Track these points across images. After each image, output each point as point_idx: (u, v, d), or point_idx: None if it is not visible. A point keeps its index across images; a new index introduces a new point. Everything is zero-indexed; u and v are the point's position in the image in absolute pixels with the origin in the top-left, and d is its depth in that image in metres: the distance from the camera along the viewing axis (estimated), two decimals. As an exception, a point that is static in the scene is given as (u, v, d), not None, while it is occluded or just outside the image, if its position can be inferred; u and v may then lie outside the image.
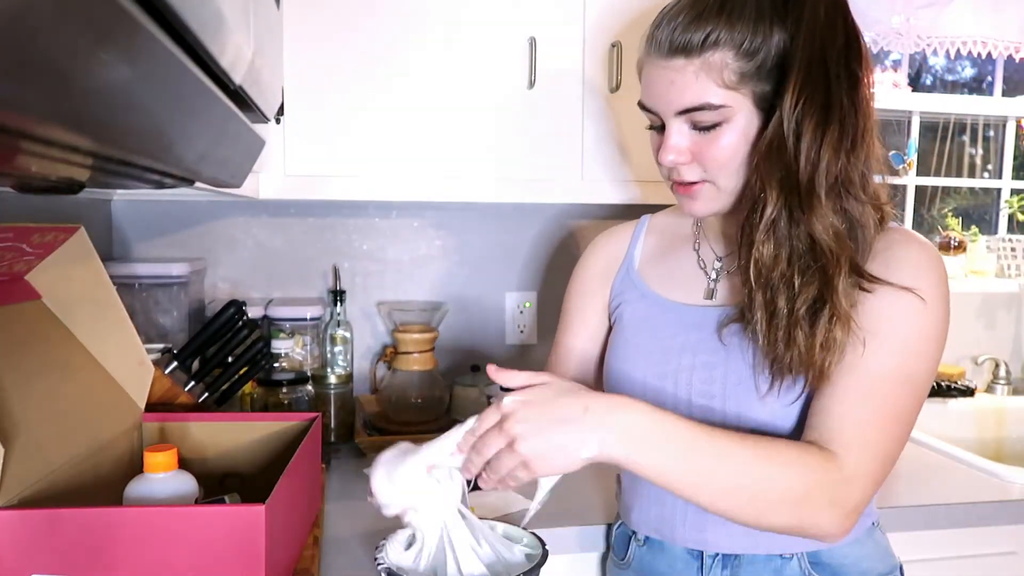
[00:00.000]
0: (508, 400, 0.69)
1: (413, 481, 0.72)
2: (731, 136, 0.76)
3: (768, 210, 0.74)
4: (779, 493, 0.70)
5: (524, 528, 0.78)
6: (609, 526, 1.07)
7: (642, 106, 0.82)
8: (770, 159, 0.74)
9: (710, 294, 0.88)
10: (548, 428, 0.67)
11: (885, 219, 0.80)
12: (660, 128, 0.81)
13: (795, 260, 0.74)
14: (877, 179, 0.80)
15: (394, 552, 0.75)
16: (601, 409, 0.68)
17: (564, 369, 1.00)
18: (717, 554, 0.85)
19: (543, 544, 0.76)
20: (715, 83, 0.75)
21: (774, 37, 0.74)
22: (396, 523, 0.73)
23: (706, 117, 0.76)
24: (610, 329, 0.97)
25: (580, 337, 0.99)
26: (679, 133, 0.78)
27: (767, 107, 0.75)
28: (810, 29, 0.73)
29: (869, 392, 0.74)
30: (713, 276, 0.89)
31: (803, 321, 0.74)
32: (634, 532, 0.93)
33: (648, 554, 0.90)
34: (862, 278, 0.74)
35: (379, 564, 0.72)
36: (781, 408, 0.79)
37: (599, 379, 0.98)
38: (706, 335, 0.84)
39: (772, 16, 0.74)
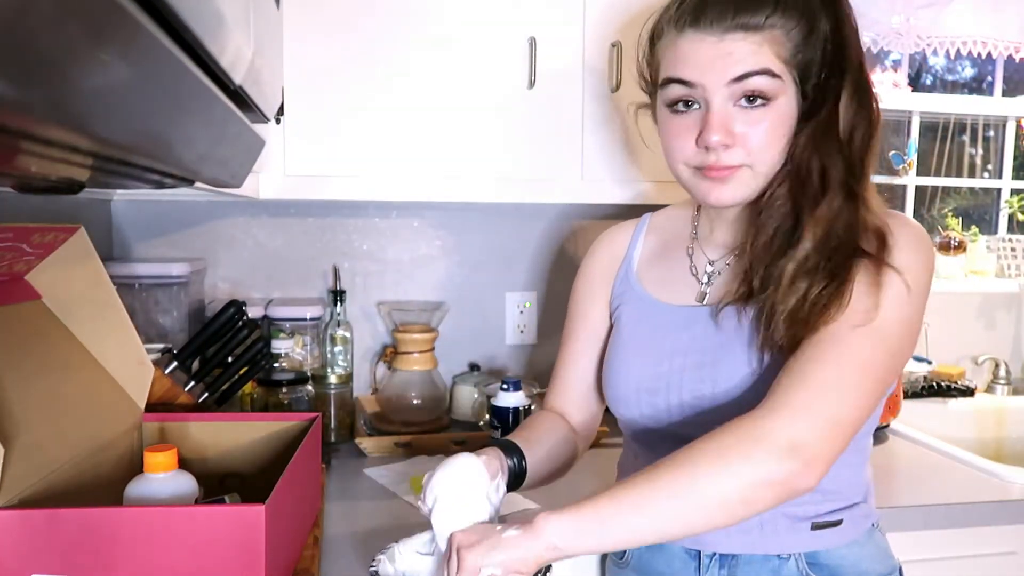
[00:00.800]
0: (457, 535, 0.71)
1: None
2: (776, 116, 0.77)
3: (829, 193, 0.75)
4: (710, 472, 0.68)
5: None
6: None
7: (676, 80, 0.79)
8: (827, 144, 0.76)
9: (701, 297, 0.88)
10: (488, 542, 0.68)
11: (882, 204, 0.82)
12: (685, 110, 0.80)
13: (825, 243, 0.75)
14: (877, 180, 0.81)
15: (401, 558, 0.74)
16: (532, 522, 0.69)
17: (572, 372, 1.00)
18: (714, 554, 0.85)
19: None
20: (776, 55, 0.75)
21: (822, 31, 0.76)
22: (397, 526, 0.72)
23: (761, 85, 0.76)
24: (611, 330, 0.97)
25: (585, 339, 0.99)
26: (723, 110, 0.77)
27: (803, 96, 0.78)
28: (852, 30, 0.77)
29: (825, 351, 0.72)
30: (705, 280, 0.89)
31: (801, 280, 0.74)
32: None
33: (647, 553, 0.91)
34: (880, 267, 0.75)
35: (371, 568, 0.72)
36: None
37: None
38: (697, 334, 0.85)
39: (819, 10, 0.76)
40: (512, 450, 0.86)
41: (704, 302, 0.88)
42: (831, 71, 0.76)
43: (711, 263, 0.89)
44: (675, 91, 0.79)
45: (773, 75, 0.75)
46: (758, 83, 0.75)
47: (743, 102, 0.77)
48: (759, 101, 0.76)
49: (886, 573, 0.87)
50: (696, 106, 0.79)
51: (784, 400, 0.70)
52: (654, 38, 0.83)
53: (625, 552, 0.94)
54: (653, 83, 0.85)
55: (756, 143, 0.77)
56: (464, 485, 0.75)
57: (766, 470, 0.68)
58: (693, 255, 0.92)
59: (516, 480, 0.85)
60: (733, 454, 0.69)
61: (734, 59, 0.75)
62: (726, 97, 0.77)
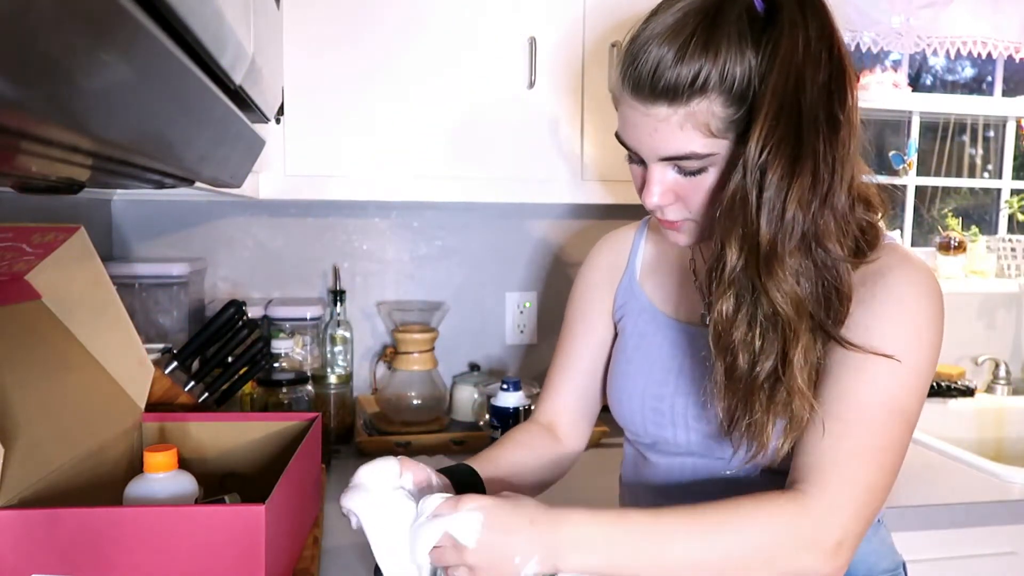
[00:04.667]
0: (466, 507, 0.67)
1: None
2: (714, 179, 0.72)
3: (727, 269, 0.69)
4: (744, 557, 0.67)
5: None
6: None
7: (620, 140, 0.76)
8: (731, 213, 0.68)
9: (703, 318, 0.85)
10: (494, 539, 0.65)
11: (879, 236, 0.75)
12: (641, 162, 0.76)
13: (756, 324, 0.69)
14: (866, 180, 0.75)
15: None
16: (544, 522, 0.66)
17: (571, 381, 0.98)
18: None
19: None
20: (701, 133, 0.69)
21: (752, 71, 0.67)
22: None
23: (691, 165, 0.71)
24: (615, 339, 0.96)
25: (586, 346, 0.97)
26: (662, 176, 0.73)
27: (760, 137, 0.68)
28: (784, 63, 0.65)
29: (849, 427, 0.70)
30: (708, 300, 0.85)
31: (762, 391, 0.70)
32: None
33: None
34: (836, 341, 0.70)
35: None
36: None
37: (604, 392, 0.98)
38: (702, 355, 0.82)
39: (751, 45, 0.67)
40: (461, 471, 0.82)
41: (707, 323, 0.84)
42: (755, 125, 0.66)
43: None
44: (624, 146, 0.77)
45: (700, 156, 0.70)
46: (685, 164, 0.71)
47: (677, 171, 0.73)
48: (692, 173, 0.72)
49: (892, 568, 0.87)
50: (643, 163, 0.76)
51: (838, 500, 0.68)
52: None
53: None
54: None
55: (693, 204, 0.74)
56: (377, 490, 0.72)
57: (800, 571, 0.68)
58: (697, 269, 0.89)
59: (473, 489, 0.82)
60: (781, 554, 0.67)
61: (660, 136, 0.70)
62: (663, 165, 0.73)
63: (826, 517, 0.68)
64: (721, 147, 0.70)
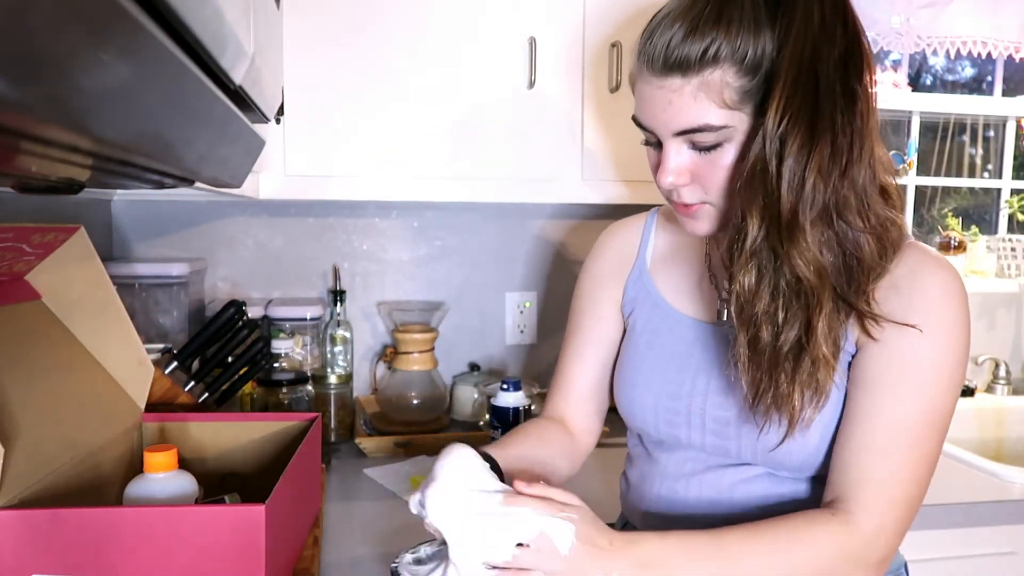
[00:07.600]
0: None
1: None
2: (732, 156, 0.72)
3: (748, 240, 0.70)
4: (799, 575, 0.71)
5: None
6: (612, 525, 1.07)
7: (637, 122, 0.77)
8: (752, 184, 0.69)
9: (719, 315, 0.85)
10: (582, 551, 0.67)
11: (903, 236, 0.75)
12: (657, 144, 0.77)
13: (779, 294, 0.70)
14: (889, 181, 0.76)
15: (400, 563, 0.74)
16: (619, 543, 0.69)
17: (579, 374, 0.96)
18: None
19: None
20: (715, 104, 0.69)
21: (767, 44, 0.68)
22: (397, 526, 0.71)
23: (706, 138, 0.71)
24: (623, 332, 0.95)
25: (594, 340, 0.95)
26: (677, 154, 0.74)
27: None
28: (800, 36, 0.66)
29: (891, 444, 0.72)
30: (724, 296, 0.84)
31: (787, 361, 0.71)
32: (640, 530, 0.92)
33: None
34: (861, 314, 0.71)
35: (393, 566, 0.72)
36: (798, 434, 0.75)
37: (611, 383, 0.97)
38: (721, 354, 0.82)
39: (765, 19, 0.68)
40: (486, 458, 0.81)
41: (722, 319, 0.84)
42: (773, 94, 0.67)
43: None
44: (642, 130, 0.78)
45: (714, 128, 0.70)
46: (700, 137, 0.72)
47: (692, 147, 0.73)
48: (707, 149, 0.73)
49: (895, 568, 0.88)
50: (659, 145, 0.76)
51: (885, 522, 0.72)
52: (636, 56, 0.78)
53: None
54: None
55: (711, 184, 0.74)
56: (469, 473, 0.72)
57: None
58: (712, 265, 0.87)
59: None
60: (833, 573, 0.71)
61: (674, 108, 0.71)
62: (678, 141, 0.73)
63: (874, 539, 0.71)
64: (736, 119, 0.70)
